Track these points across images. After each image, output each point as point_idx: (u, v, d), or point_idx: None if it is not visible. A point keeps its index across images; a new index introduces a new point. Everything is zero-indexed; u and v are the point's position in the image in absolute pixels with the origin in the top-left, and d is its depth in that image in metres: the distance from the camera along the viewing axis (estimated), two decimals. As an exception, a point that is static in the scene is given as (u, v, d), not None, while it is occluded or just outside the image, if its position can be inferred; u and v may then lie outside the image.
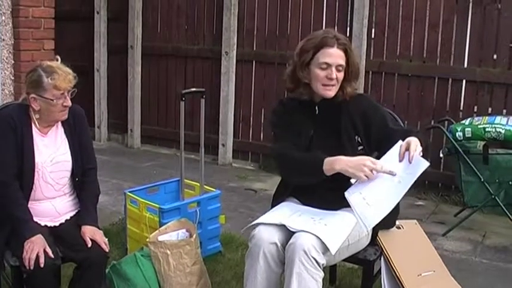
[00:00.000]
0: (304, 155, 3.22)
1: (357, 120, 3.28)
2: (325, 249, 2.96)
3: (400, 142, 3.05)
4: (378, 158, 3.12)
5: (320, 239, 2.95)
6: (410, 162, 2.98)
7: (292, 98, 3.41)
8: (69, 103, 3.30)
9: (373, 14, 6.54)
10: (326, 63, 3.19)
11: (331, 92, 3.25)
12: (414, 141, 3.02)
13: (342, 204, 3.23)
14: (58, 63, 3.31)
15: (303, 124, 3.32)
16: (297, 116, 3.35)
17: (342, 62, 3.22)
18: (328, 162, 3.09)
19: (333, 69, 3.19)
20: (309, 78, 3.26)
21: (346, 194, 3.04)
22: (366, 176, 2.99)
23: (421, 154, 3.01)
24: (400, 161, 3.02)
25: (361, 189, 3.03)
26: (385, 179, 3.03)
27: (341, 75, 3.23)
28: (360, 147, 3.28)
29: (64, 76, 3.24)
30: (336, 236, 3.01)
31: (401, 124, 3.60)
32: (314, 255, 2.91)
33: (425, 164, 2.99)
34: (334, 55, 3.20)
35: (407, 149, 3.00)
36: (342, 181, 3.14)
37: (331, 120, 3.30)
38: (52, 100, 3.23)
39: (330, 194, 3.23)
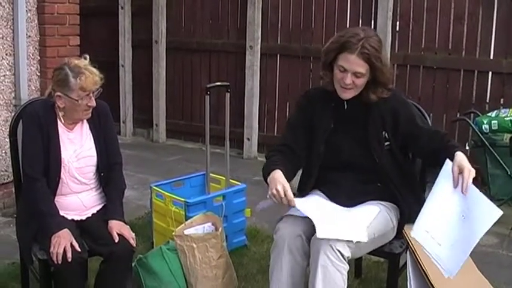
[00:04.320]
0: (270, 161, 3.31)
1: (386, 115, 3.24)
2: (350, 241, 2.96)
3: (448, 162, 2.93)
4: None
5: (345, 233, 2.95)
6: (463, 193, 2.85)
7: (321, 88, 3.38)
8: (94, 103, 3.31)
9: (397, 6, 6.49)
10: (343, 67, 3.13)
11: (346, 94, 3.21)
12: (467, 167, 2.87)
13: (367, 197, 3.24)
14: (86, 63, 3.30)
15: (323, 117, 3.30)
16: (320, 108, 3.33)
17: (361, 69, 3.11)
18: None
19: (349, 75, 3.12)
20: (331, 77, 3.24)
21: (412, 233, 3.00)
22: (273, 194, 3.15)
23: (474, 176, 2.88)
24: (455, 186, 2.88)
25: (423, 226, 2.97)
26: (445, 212, 2.92)
27: (360, 81, 3.14)
28: (387, 143, 3.25)
29: (91, 77, 3.24)
30: (358, 227, 3.02)
31: (429, 121, 3.54)
32: (339, 248, 2.91)
33: (498, 213, 2.81)
34: (352, 62, 3.10)
35: (461, 172, 2.88)
36: (368, 172, 3.14)
37: (359, 114, 3.27)
38: (77, 100, 3.25)
39: (355, 186, 3.25)
